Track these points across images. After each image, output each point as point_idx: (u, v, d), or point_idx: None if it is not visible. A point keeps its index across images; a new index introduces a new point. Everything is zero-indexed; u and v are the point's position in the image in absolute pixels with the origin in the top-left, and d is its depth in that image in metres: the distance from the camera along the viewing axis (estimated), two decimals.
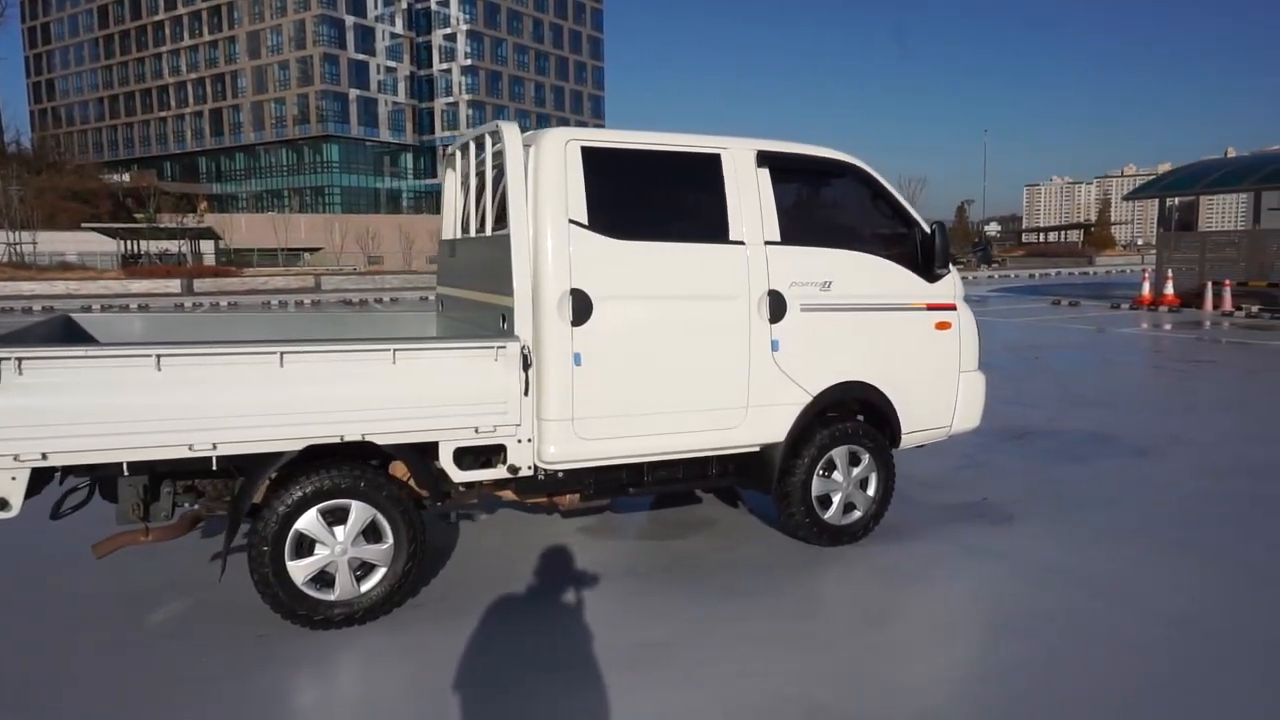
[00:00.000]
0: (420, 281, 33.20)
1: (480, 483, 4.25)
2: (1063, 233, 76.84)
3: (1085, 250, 60.53)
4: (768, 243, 4.60)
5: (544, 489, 4.41)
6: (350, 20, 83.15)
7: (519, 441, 4.12)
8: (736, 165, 4.58)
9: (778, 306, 4.60)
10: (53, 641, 3.81)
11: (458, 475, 4.08)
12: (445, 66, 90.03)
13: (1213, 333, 16.00)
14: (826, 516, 4.91)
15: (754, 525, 5.39)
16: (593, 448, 4.28)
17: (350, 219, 66.65)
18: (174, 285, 29.48)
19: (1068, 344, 14.27)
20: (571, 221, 4.17)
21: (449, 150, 5.41)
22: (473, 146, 4.88)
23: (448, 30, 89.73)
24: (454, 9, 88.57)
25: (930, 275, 5.09)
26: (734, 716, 3.20)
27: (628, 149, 4.38)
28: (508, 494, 4.52)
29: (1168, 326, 17.28)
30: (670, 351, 4.39)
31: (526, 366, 4.06)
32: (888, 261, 4.99)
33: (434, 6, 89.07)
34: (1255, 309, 19.02)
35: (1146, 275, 21.82)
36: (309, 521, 3.81)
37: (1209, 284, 19.52)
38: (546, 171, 4.17)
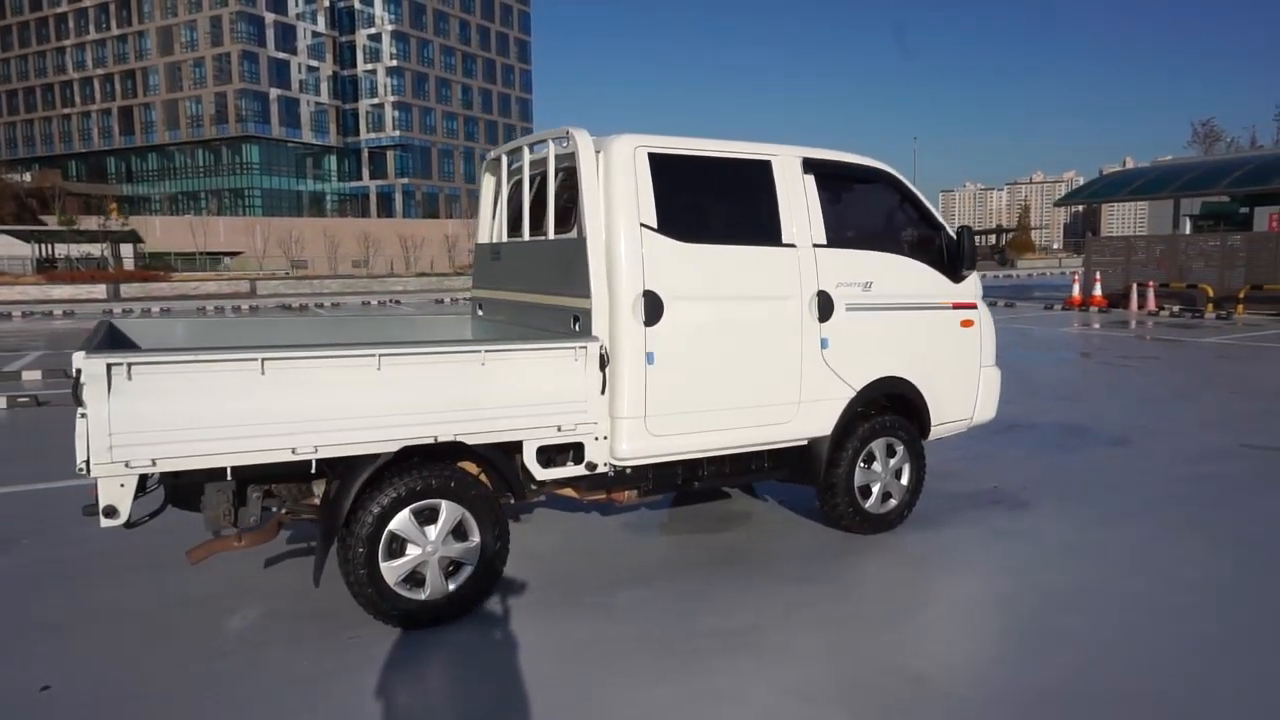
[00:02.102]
0: (359, 286, 32.57)
1: (547, 480, 4.33)
2: (984, 237, 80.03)
3: (1009, 254, 62.98)
4: (815, 245, 4.83)
5: (608, 485, 4.53)
6: (270, 17, 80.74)
7: (596, 439, 4.24)
8: (785, 171, 4.80)
9: (826, 306, 4.83)
10: (146, 648, 3.75)
11: (540, 473, 4.17)
12: (370, 67, 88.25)
13: (1144, 331, 17.05)
14: (867, 506, 5.16)
15: (787, 516, 5.61)
16: (661, 444, 4.42)
17: (272, 222, 64.70)
18: (99, 290, 28.17)
19: (1016, 343, 15.01)
20: (643, 225, 4.31)
21: (489, 155, 5.46)
22: (526, 151, 4.96)
23: (372, 30, 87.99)
24: (378, 9, 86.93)
25: (956, 276, 5.40)
26: (847, 690, 3.39)
27: (689, 155, 4.54)
28: (568, 491, 4.62)
29: (1101, 326, 18.32)
30: (731, 350, 4.57)
31: (603, 366, 4.17)
32: (919, 263, 5.27)
33: (357, 6, 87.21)
34: (1177, 309, 20.34)
35: (1076, 278, 23.04)
36: (402, 522, 3.85)
37: (1134, 285, 20.75)
38: (618, 176, 4.29)
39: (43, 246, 39.78)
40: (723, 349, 4.54)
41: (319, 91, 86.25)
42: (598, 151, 4.34)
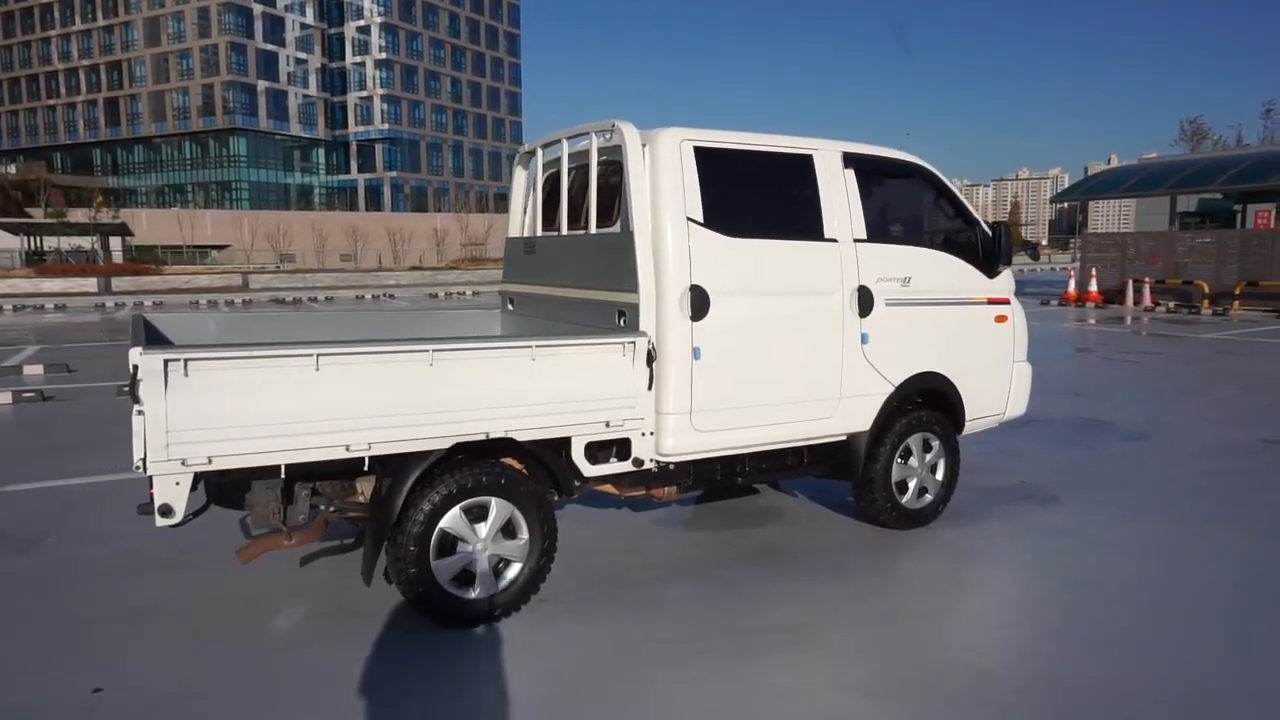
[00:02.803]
0: (350, 280, 32.35)
1: (593, 477, 4.29)
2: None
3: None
4: (856, 240, 4.81)
5: (648, 481, 4.50)
6: (258, 9, 80.00)
7: (642, 435, 4.21)
8: (826, 166, 4.77)
9: (866, 301, 4.81)
10: (193, 648, 3.70)
11: (588, 470, 4.14)
12: (359, 60, 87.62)
13: (1142, 327, 17.16)
14: (904, 501, 5.16)
15: (817, 511, 5.60)
16: (706, 439, 4.40)
17: (260, 215, 64.24)
18: (89, 284, 27.84)
19: None
20: (689, 219, 4.28)
21: (522, 149, 5.41)
22: (565, 144, 4.91)
23: (361, 22, 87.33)
24: (367, 1, 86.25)
25: (991, 272, 5.40)
26: (910, 686, 3.38)
27: (733, 149, 4.51)
28: (607, 487, 4.59)
29: (1098, 322, 18.43)
30: (775, 345, 4.55)
31: (650, 361, 4.14)
32: (955, 258, 5.27)
33: None
34: (1172, 305, 20.48)
35: (1072, 274, 23.16)
36: (453, 520, 3.81)
37: (1130, 281, 20.88)
38: (664, 170, 4.26)
39: (32, 239, 39.28)
40: (766, 344, 4.52)
41: (307, 84, 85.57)
42: (643, 145, 4.30)
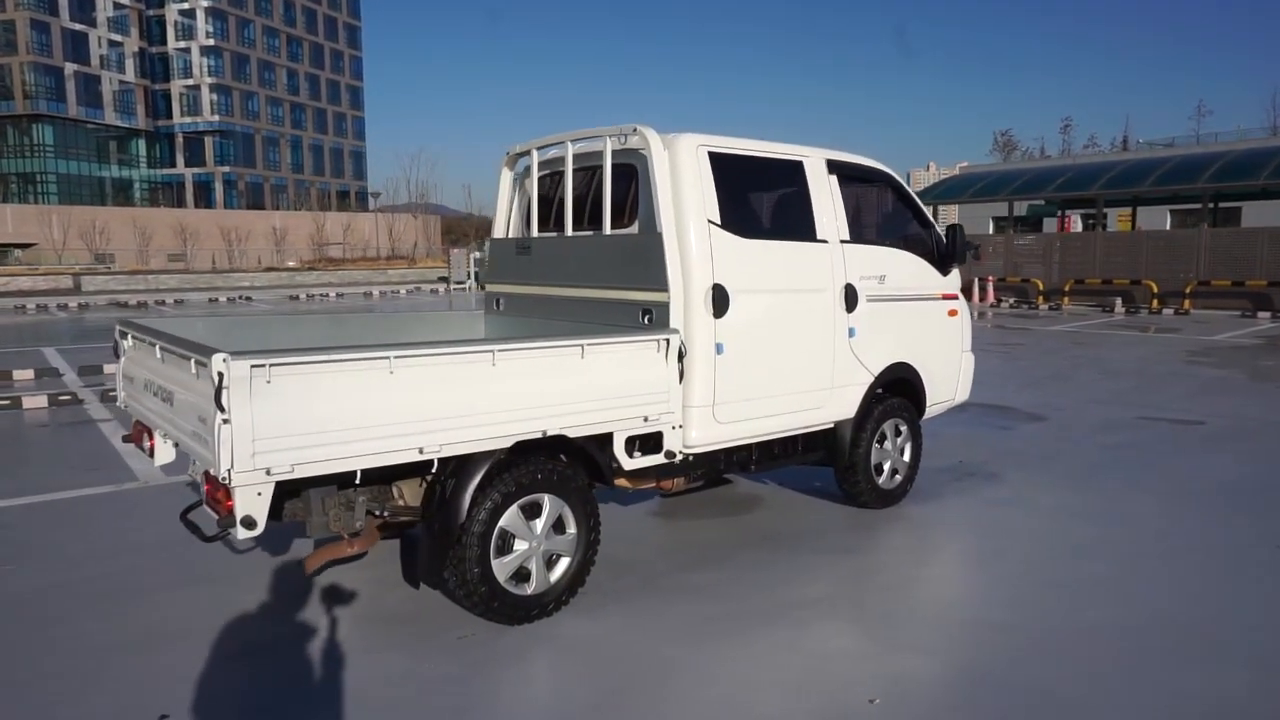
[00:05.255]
0: (201, 282, 30.12)
1: (634, 470, 4.42)
2: None
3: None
4: (842, 241, 5.19)
5: (667, 474, 4.68)
6: None
7: (673, 428, 4.38)
8: (815, 171, 5.12)
9: (852, 298, 5.20)
10: (250, 665, 3.53)
11: (628, 463, 4.26)
12: (183, 45, 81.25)
13: (991, 321, 18.90)
14: (880, 482, 5.60)
15: (792, 497, 5.96)
16: (725, 430, 4.63)
17: (72, 211, 58.45)
18: None
19: None
20: (709, 221, 4.49)
21: (511, 150, 5.41)
22: (570, 145, 4.97)
23: (184, 5, 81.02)
24: None
25: (945, 269, 5.94)
26: (953, 640, 3.76)
27: (740, 154, 4.76)
28: (622, 481, 4.72)
29: None
30: (781, 340, 4.85)
31: (681, 357, 4.32)
32: (917, 257, 5.76)
33: None
34: (1013, 301, 22.65)
35: None
36: (512, 518, 3.84)
37: (975, 280, 22.88)
38: (685, 174, 4.45)
39: None
40: (774, 339, 4.81)
41: (124, 69, 78.44)
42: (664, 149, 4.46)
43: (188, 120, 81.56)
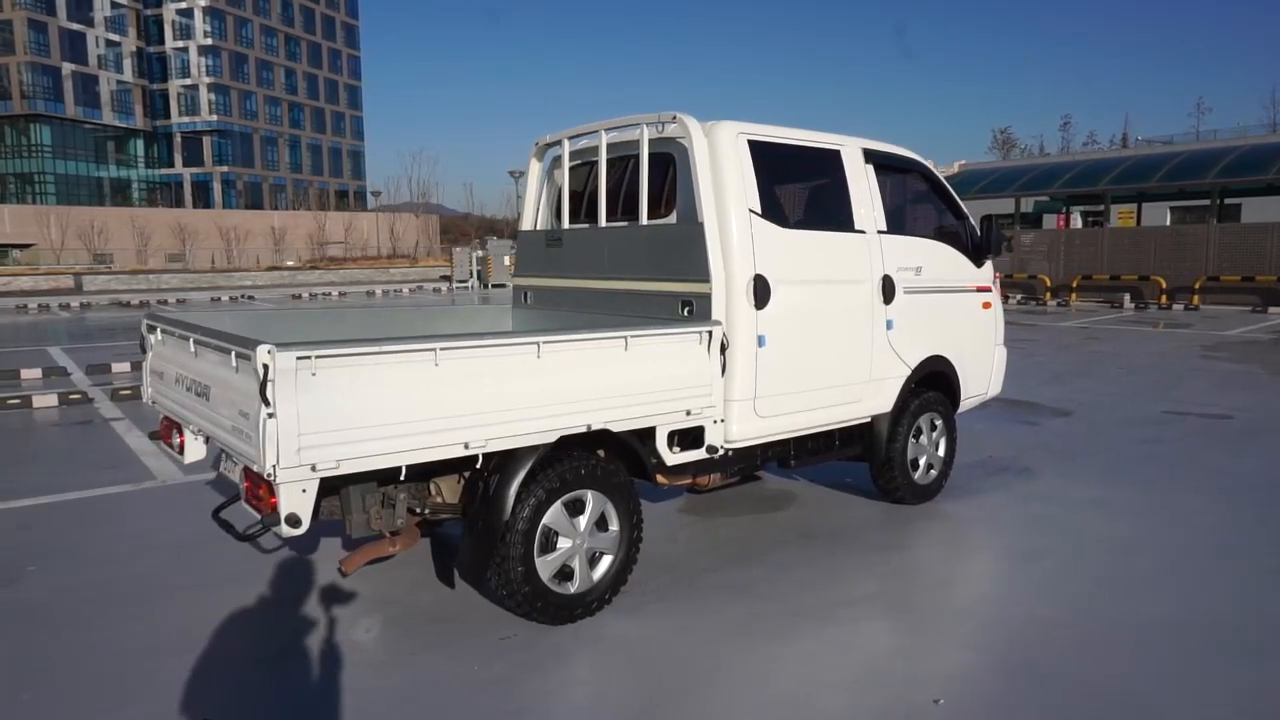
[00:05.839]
0: (203, 281, 29.95)
1: (677, 465, 4.31)
2: None
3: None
4: (879, 232, 5.08)
5: (705, 469, 4.57)
6: None
7: (714, 422, 4.27)
8: (852, 161, 5.01)
9: (889, 290, 5.09)
10: (290, 670, 3.43)
11: (671, 458, 4.16)
12: (181, 44, 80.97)
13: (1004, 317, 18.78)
14: (916, 477, 5.49)
15: (825, 493, 5.85)
16: (765, 425, 4.53)
17: (70, 211, 58.26)
18: None
19: None
20: (750, 210, 4.38)
21: (540, 140, 5.30)
22: (604, 135, 4.86)
23: (182, 4, 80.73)
24: None
25: (979, 261, 5.83)
26: (1001, 635, 3.67)
27: (778, 142, 4.66)
28: (659, 477, 4.61)
29: None
30: (821, 332, 4.75)
31: (724, 349, 4.21)
32: (952, 249, 5.66)
33: None
34: (1020, 297, 22.56)
35: None
36: (555, 515, 3.74)
37: None
38: (727, 162, 4.34)
39: None
40: (815, 332, 4.71)
41: (121, 69, 78.17)
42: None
43: (186, 120, 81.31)
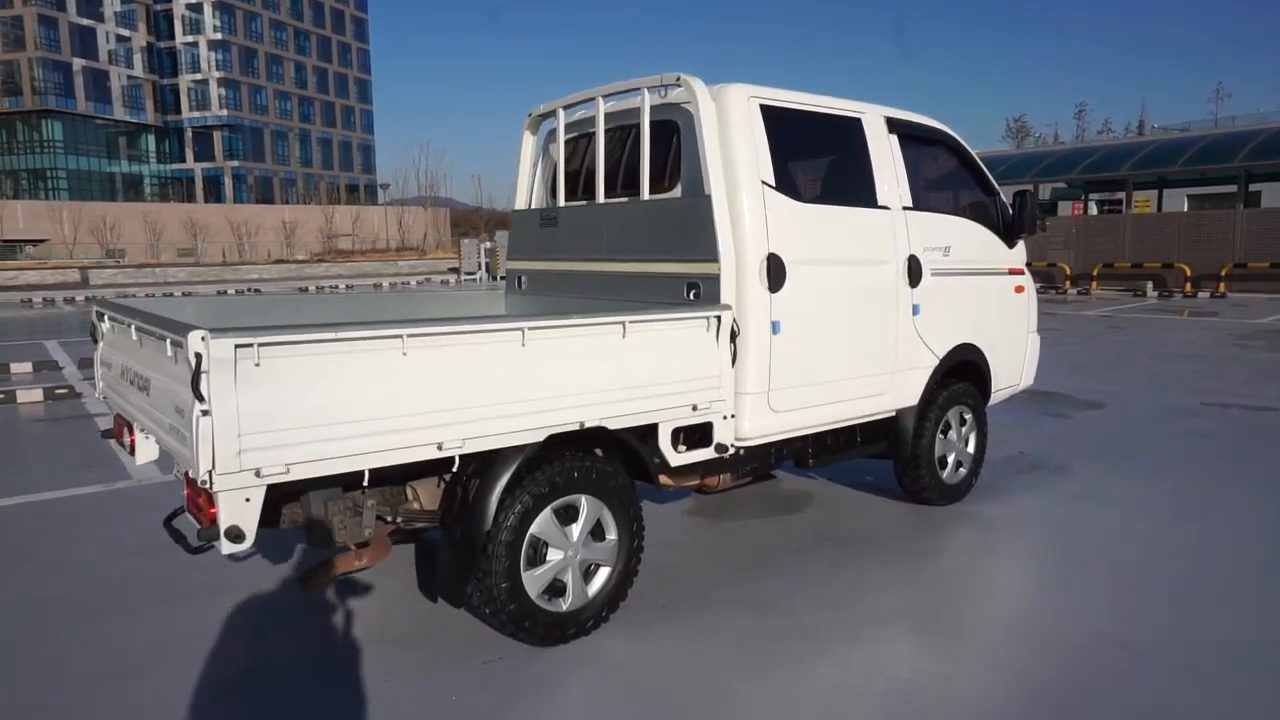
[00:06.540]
0: (209, 275, 29.69)
1: (681, 466, 3.89)
2: None
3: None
4: (904, 208, 4.63)
5: (713, 469, 4.15)
6: None
7: (724, 418, 3.84)
8: (874, 130, 4.56)
9: (915, 271, 4.65)
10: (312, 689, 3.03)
11: (676, 458, 3.73)
12: (191, 39, 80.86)
13: None
14: (944, 476, 5.05)
15: (842, 492, 5.41)
16: (780, 421, 4.10)
17: (83, 207, 58.18)
18: None
19: None
20: (763, 183, 3.95)
21: (533, 111, 4.87)
22: (601, 103, 4.43)
23: None
24: None
25: (1011, 241, 5.37)
26: (1052, 658, 3.22)
27: (795, 108, 4.22)
28: (664, 478, 4.19)
29: None
30: (841, 317, 4.31)
31: (734, 337, 3.78)
32: (983, 227, 5.20)
33: None
34: (1039, 286, 21.94)
35: None
36: (544, 523, 3.32)
37: None
38: (737, 129, 3.91)
39: None
40: (834, 317, 4.27)
41: (132, 64, 78.16)
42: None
43: (196, 115, 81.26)
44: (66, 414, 8.24)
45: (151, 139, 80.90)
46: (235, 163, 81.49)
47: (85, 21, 73.38)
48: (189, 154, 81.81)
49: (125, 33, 77.63)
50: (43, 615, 3.76)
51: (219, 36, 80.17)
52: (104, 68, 75.36)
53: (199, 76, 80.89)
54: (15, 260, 34.97)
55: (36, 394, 8.90)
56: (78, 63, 72.59)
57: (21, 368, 10.71)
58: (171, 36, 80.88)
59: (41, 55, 70.00)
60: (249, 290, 26.72)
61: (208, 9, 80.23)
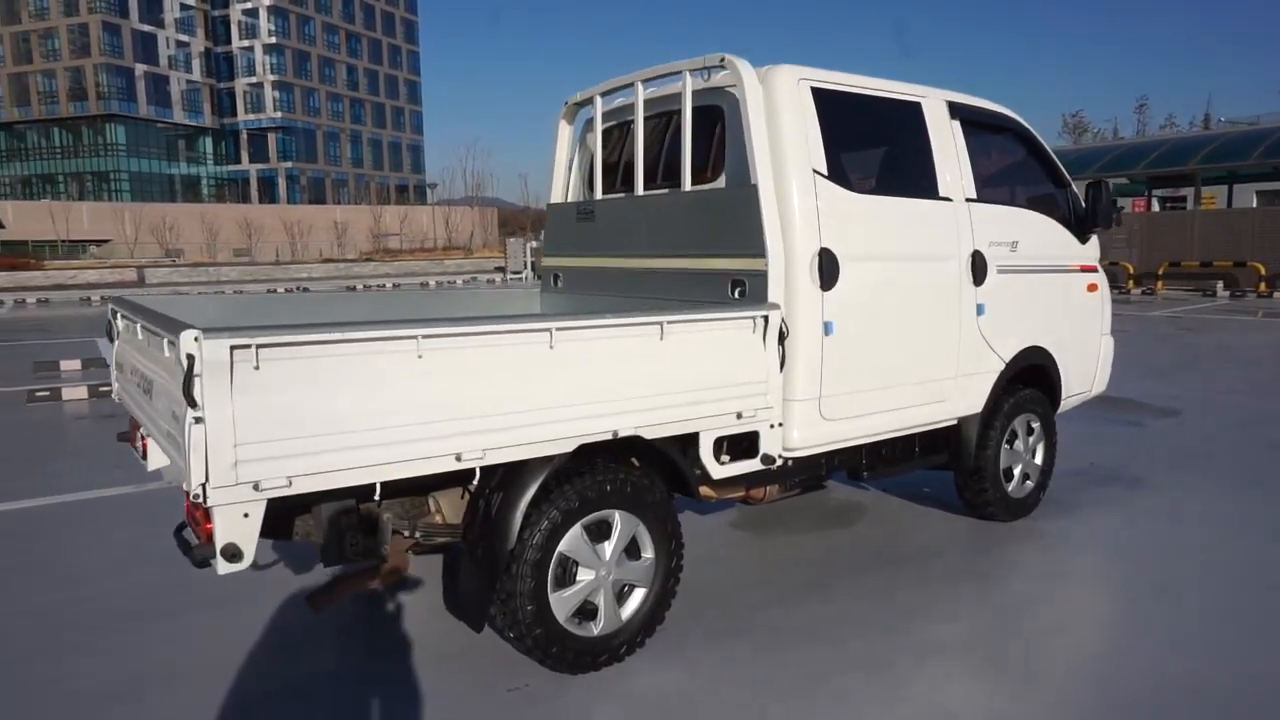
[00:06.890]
0: (260, 273, 30.17)
1: (724, 478, 3.59)
2: None
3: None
4: (968, 200, 4.27)
5: (759, 481, 3.84)
6: None
7: (771, 427, 3.53)
8: (935, 116, 4.21)
9: (980, 268, 4.28)
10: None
11: (718, 470, 3.44)
12: (246, 44, 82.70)
13: None
14: (1009, 489, 4.67)
15: (899, 505, 5.06)
16: (832, 430, 3.77)
17: (144, 208, 59.77)
18: None
19: None
20: (815, 171, 3.63)
21: (570, 100, 4.62)
22: (640, 89, 4.16)
23: (247, 4, 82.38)
24: None
25: (1083, 236, 4.96)
26: (1128, 695, 2.84)
27: (848, 91, 3.89)
28: (706, 490, 3.89)
29: None
30: (899, 318, 3.97)
31: (783, 339, 3.47)
32: (1054, 221, 4.80)
33: None
34: None
35: None
36: (574, 541, 3.06)
37: None
38: (785, 113, 3.60)
39: None
40: (891, 317, 3.93)
41: (190, 69, 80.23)
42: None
43: (252, 118, 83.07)
44: (109, 412, 8.24)
45: (209, 141, 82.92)
46: (289, 164, 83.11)
47: (146, 28, 75.49)
48: (244, 156, 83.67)
49: (184, 38, 79.68)
50: (56, 627, 3.61)
51: (273, 40, 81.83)
52: (164, 72, 77.44)
53: (254, 80, 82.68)
54: (79, 260, 35.99)
55: (81, 391, 8.94)
56: (139, 68, 74.72)
57: (71, 365, 10.83)
58: (228, 41, 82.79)
59: (105, 61, 72.19)
60: (298, 288, 27.05)
61: (263, 13, 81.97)
